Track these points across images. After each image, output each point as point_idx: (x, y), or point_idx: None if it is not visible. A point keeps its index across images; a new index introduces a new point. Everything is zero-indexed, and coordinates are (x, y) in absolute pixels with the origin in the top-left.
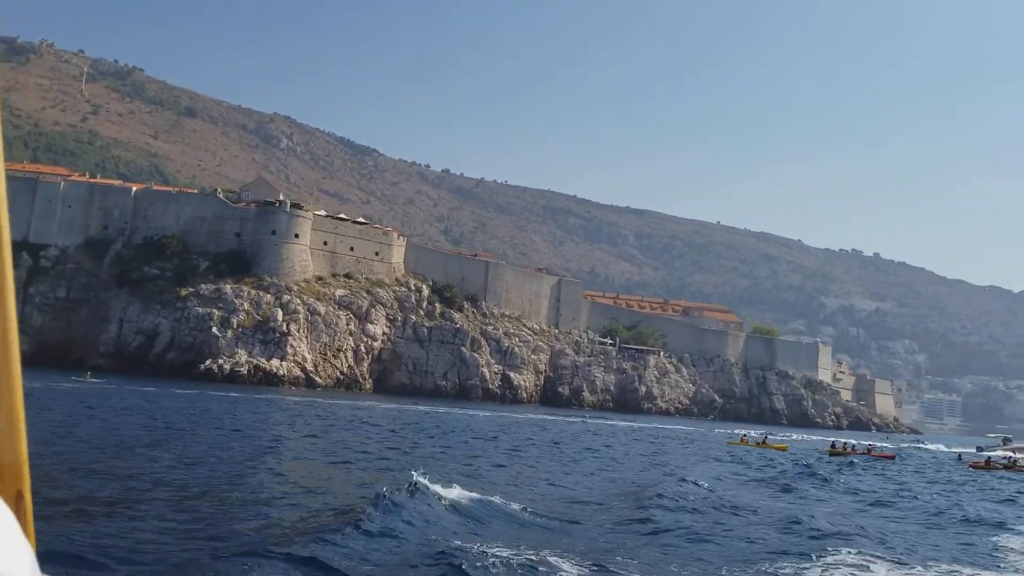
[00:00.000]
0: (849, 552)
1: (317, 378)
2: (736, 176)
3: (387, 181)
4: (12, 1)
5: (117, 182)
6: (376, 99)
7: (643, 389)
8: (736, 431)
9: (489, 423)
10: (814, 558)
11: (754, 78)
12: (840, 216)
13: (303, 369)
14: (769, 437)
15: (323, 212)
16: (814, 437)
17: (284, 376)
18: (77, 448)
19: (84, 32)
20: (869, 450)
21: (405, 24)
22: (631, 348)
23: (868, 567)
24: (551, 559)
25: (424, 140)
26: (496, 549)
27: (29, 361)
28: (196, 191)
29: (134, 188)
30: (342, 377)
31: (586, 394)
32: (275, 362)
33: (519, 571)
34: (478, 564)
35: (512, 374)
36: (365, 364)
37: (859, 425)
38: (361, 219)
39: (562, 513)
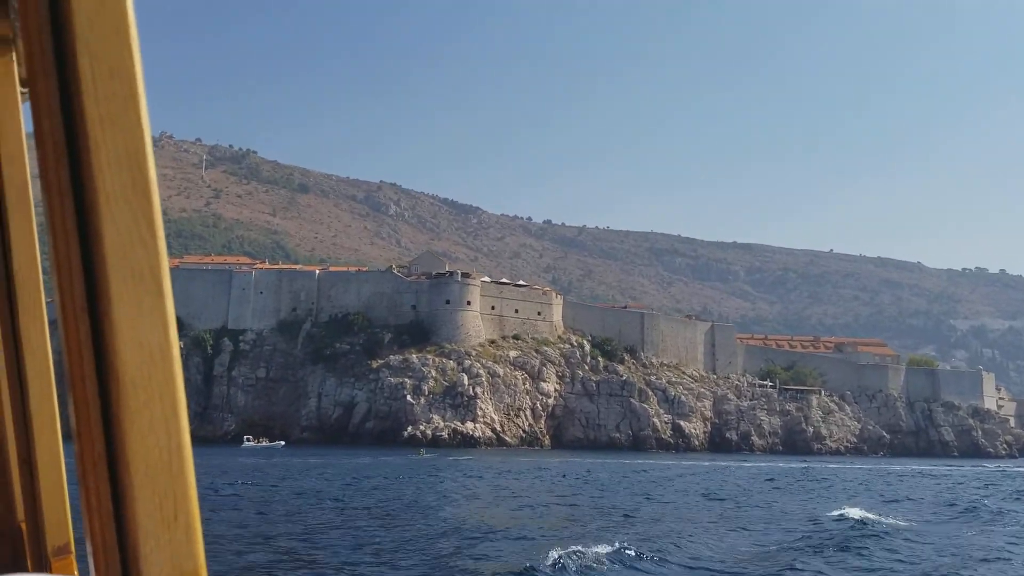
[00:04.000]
0: None
1: (506, 437)
2: (844, 197)
3: (492, 237)
4: None
5: (298, 266)
6: (475, 158)
7: (810, 430)
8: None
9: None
10: None
11: (846, 79)
12: (960, 234)
13: (493, 429)
14: None
15: (488, 279)
16: None
17: (480, 437)
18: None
19: (199, 121)
20: None
21: (495, 87)
22: (791, 389)
23: None
24: None
25: (524, 194)
26: None
27: (235, 439)
28: (366, 268)
29: (317, 271)
30: (524, 435)
31: (755, 438)
32: (469, 424)
33: None
34: None
35: (682, 422)
36: (542, 421)
37: None
38: (522, 282)
39: None
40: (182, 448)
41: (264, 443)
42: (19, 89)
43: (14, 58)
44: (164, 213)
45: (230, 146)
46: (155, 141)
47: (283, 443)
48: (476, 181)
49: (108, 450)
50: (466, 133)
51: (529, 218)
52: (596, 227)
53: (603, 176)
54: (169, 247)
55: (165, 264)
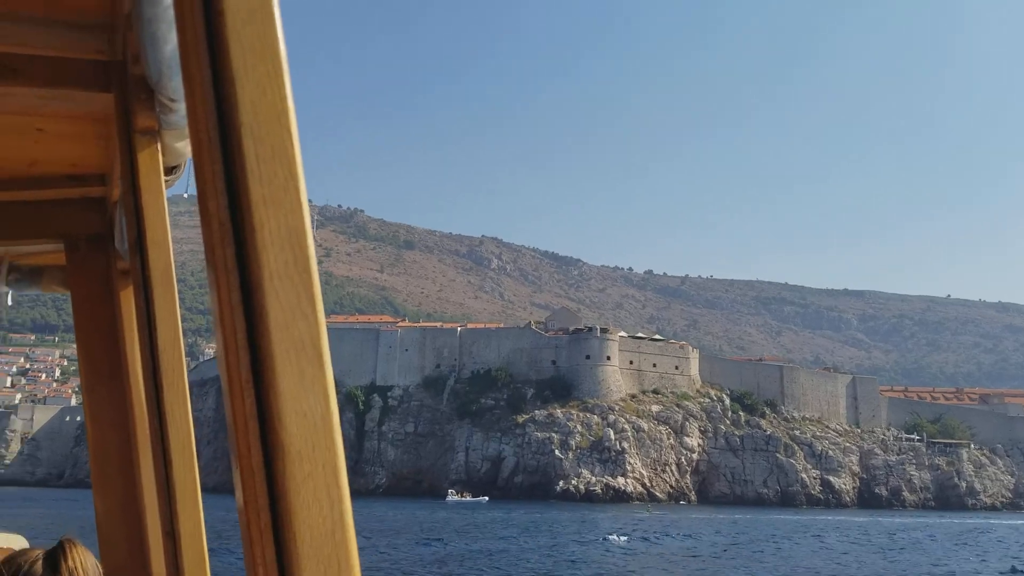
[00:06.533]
0: None
1: (656, 492)
2: (959, 243)
3: (594, 288)
4: None
5: (439, 324)
6: (573, 210)
7: (963, 485)
8: None
9: None
10: None
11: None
12: None
13: (643, 484)
14: None
15: (624, 333)
16: None
17: (632, 492)
18: None
19: (309, 181)
20: None
21: (592, 138)
22: (939, 442)
23: None
24: None
25: (623, 244)
26: None
27: (385, 492)
28: (502, 325)
29: (459, 328)
30: (671, 490)
31: (906, 493)
32: (620, 479)
33: None
34: None
35: (831, 478)
36: (687, 476)
37: None
38: (657, 336)
39: None
40: (344, 516)
41: (468, 498)
42: (163, 178)
43: (159, 149)
44: None
45: (339, 206)
46: None
47: (486, 498)
48: (575, 233)
49: (273, 520)
50: (564, 186)
51: (630, 268)
52: (699, 276)
53: (703, 224)
54: None
55: (324, 335)
